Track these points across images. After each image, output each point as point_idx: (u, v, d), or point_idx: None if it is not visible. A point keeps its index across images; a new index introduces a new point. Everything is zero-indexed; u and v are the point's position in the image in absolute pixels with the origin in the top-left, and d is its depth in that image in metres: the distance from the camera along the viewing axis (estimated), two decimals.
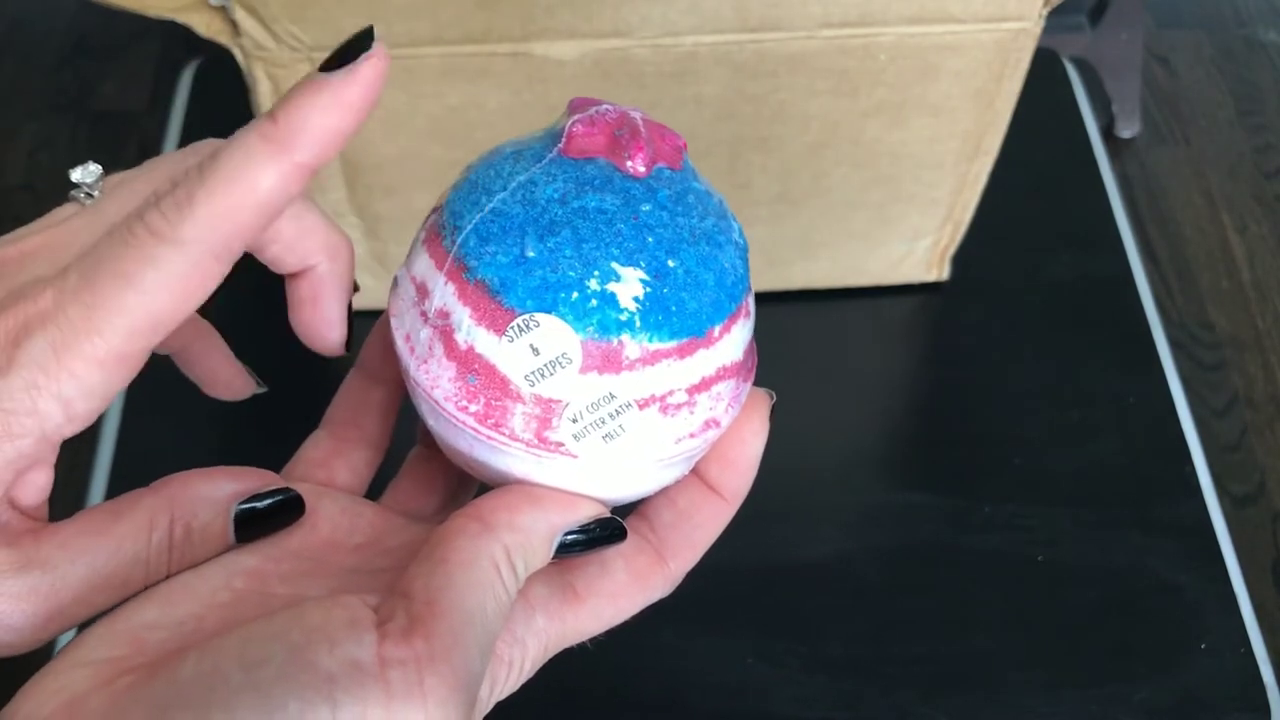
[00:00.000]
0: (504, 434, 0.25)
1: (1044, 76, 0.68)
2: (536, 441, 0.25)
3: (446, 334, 0.25)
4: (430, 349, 0.26)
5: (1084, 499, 0.56)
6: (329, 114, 0.23)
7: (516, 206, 0.25)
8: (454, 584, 0.23)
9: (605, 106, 0.27)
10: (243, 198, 0.22)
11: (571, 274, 0.25)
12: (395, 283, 0.27)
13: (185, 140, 0.69)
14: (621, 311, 0.25)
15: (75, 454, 0.24)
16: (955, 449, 0.59)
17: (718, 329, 0.26)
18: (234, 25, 0.46)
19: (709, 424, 0.26)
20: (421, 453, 0.31)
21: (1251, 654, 0.52)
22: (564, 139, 0.26)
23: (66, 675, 0.22)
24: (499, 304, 0.25)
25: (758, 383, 0.28)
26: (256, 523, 0.25)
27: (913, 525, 0.56)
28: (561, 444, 0.25)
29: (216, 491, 0.25)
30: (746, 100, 0.51)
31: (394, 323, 0.27)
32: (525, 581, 0.25)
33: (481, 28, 0.47)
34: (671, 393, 0.25)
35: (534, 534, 0.25)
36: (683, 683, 0.51)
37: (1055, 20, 0.50)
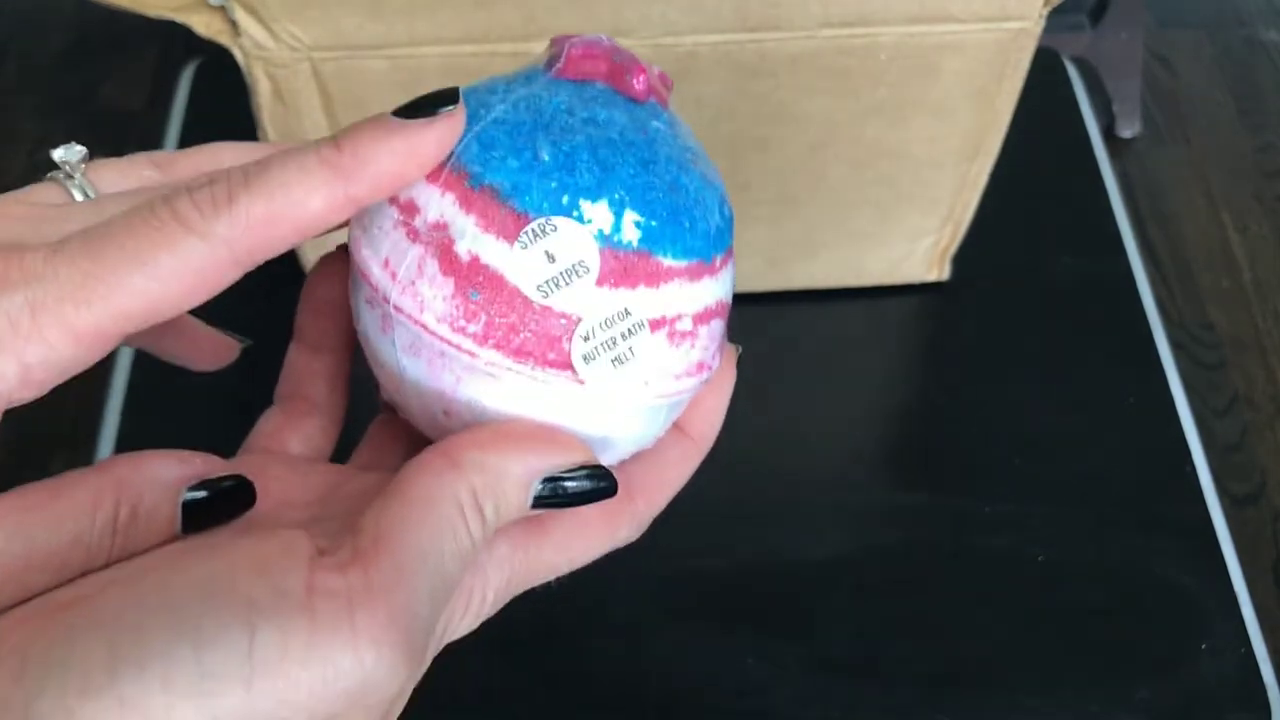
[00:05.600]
0: (507, 354, 0.23)
1: (1044, 76, 0.68)
2: (543, 362, 0.23)
3: (444, 247, 0.23)
4: (419, 268, 0.23)
5: (1084, 499, 0.56)
6: (396, 158, 0.23)
7: (523, 115, 0.24)
8: (408, 520, 0.21)
9: (594, 36, 0.26)
10: (285, 211, 0.22)
11: (589, 178, 0.23)
12: (362, 211, 0.25)
13: (185, 140, 0.69)
14: (641, 222, 0.23)
15: (74, 453, 0.23)
16: (955, 449, 0.59)
17: (719, 258, 0.25)
18: (234, 25, 0.46)
19: (702, 366, 0.25)
20: (384, 418, 0.30)
21: (1252, 654, 0.52)
22: (563, 60, 0.25)
23: None
24: (511, 209, 0.23)
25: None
26: (204, 512, 0.23)
27: (913, 525, 0.56)
28: (569, 365, 0.23)
29: (165, 474, 0.23)
30: (746, 100, 0.51)
31: (365, 253, 0.25)
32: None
33: (481, 28, 0.47)
34: (680, 317, 0.24)
35: (507, 476, 0.23)
36: (683, 683, 0.51)
37: (1055, 20, 0.50)
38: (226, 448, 0.27)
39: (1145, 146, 1.45)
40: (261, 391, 0.30)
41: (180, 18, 0.45)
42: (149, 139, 1.39)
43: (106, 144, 1.42)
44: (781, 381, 0.58)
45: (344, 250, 0.28)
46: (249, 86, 0.49)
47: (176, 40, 0.60)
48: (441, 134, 0.23)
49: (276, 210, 0.22)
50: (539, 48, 0.48)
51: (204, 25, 0.46)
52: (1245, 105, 1.49)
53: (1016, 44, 0.50)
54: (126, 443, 0.56)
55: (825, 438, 0.59)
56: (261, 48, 0.47)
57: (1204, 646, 0.52)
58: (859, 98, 0.51)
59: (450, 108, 0.23)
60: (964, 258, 0.61)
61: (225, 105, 0.57)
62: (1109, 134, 1.43)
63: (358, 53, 0.47)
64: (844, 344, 0.62)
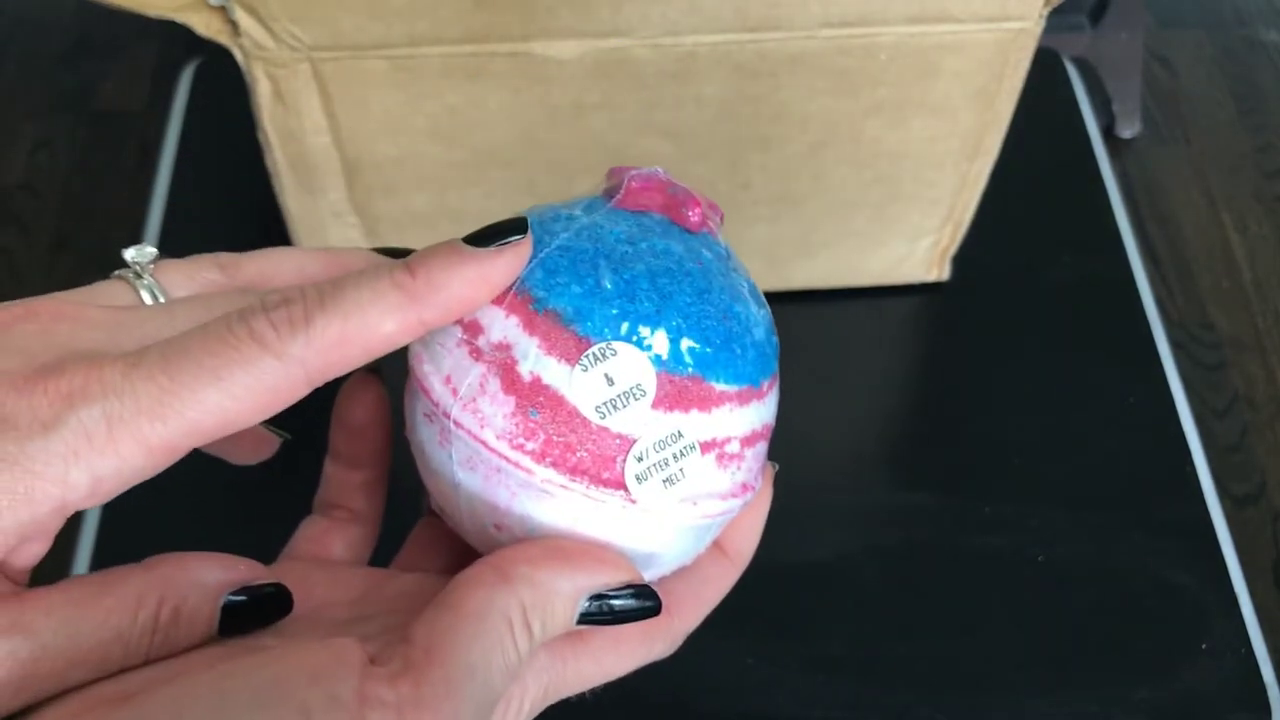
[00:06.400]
0: (562, 472, 0.24)
1: (1044, 76, 0.68)
2: (597, 481, 0.24)
3: (507, 367, 0.24)
4: (481, 386, 0.24)
5: (1084, 499, 0.56)
6: (467, 285, 0.23)
7: (585, 243, 0.25)
8: (458, 633, 0.22)
9: (651, 170, 0.27)
10: (359, 334, 0.23)
11: (649, 306, 0.24)
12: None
13: (185, 140, 0.69)
14: (697, 349, 0.25)
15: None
16: (955, 449, 0.59)
17: (766, 383, 0.26)
18: (234, 25, 0.46)
19: (746, 487, 0.26)
20: (427, 521, 0.31)
21: (1252, 654, 0.52)
22: (622, 192, 0.27)
23: (46, 708, 0.21)
24: (573, 333, 0.24)
25: None
26: (243, 616, 0.24)
27: (913, 525, 0.56)
28: (622, 485, 0.24)
29: (208, 577, 0.24)
30: (746, 100, 0.51)
31: (426, 368, 0.26)
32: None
33: (481, 27, 0.47)
34: (729, 440, 0.25)
35: (556, 594, 0.23)
36: (683, 683, 0.51)
37: (1055, 20, 0.50)
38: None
39: (1145, 146, 1.45)
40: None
41: (180, 18, 0.45)
42: (149, 139, 1.39)
43: (106, 144, 1.43)
44: (781, 381, 0.58)
45: (369, 374, 0.29)
46: (249, 86, 0.49)
47: (176, 40, 0.60)
48: (511, 261, 0.24)
49: (351, 332, 0.22)
50: (539, 48, 0.49)
51: (204, 25, 0.46)
52: (1245, 105, 1.49)
53: (1016, 44, 0.50)
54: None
55: (825, 438, 0.59)
56: (261, 48, 0.47)
57: (1204, 646, 0.52)
58: (859, 98, 0.51)
59: (519, 237, 0.24)
60: (964, 258, 0.61)
61: (225, 105, 0.57)
62: (1109, 134, 1.43)
63: (358, 53, 0.47)
64: (844, 344, 0.62)
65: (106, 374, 0.21)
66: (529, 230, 0.24)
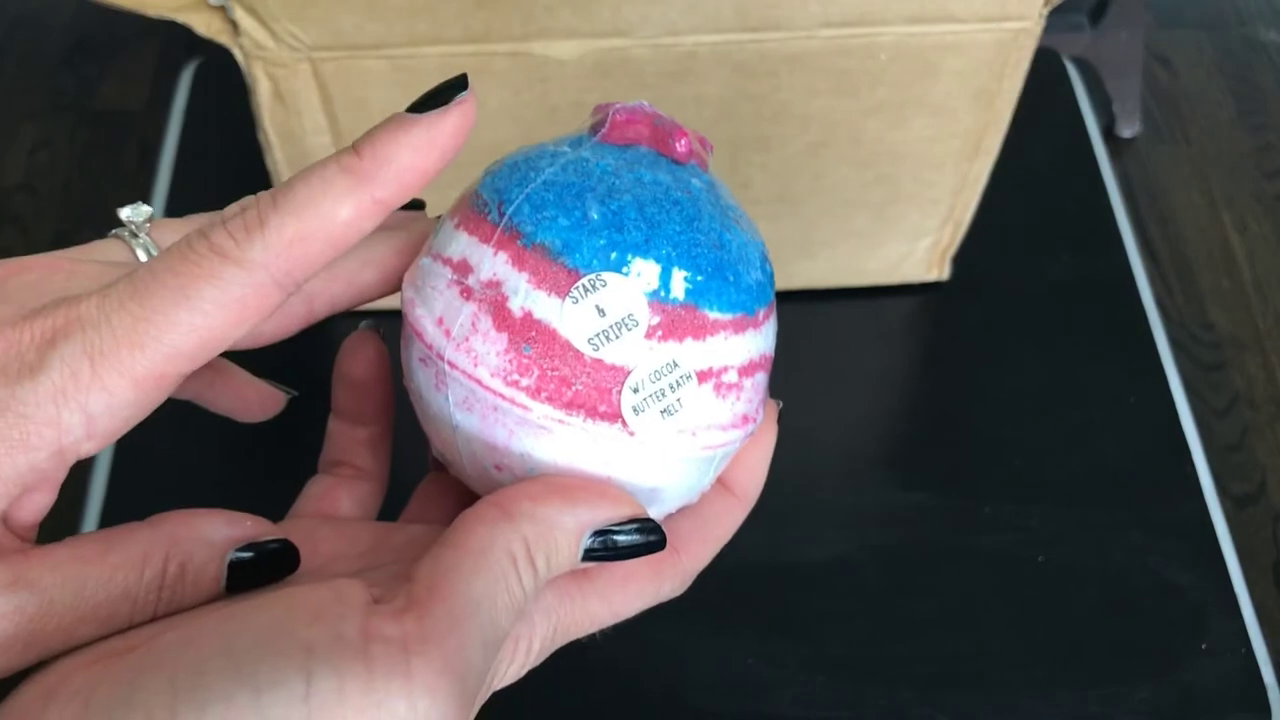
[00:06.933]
0: (558, 407, 0.24)
1: (1044, 76, 0.68)
2: (594, 414, 0.24)
3: (497, 304, 0.24)
4: (473, 325, 0.24)
5: (1084, 499, 0.56)
6: (416, 153, 0.23)
7: (571, 177, 0.25)
8: (462, 570, 0.22)
9: (637, 103, 0.27)
10: (316, 227, 0.22)
11: (637, 235, 0.24)
12: (414, 272, 0.26)
13: (185, 140, 0.69)
14: (688, 276, 0.24)
15: (70, 472, 0.23)
16: (955, 449, 0.59)
17: (761, 313, 0.26)
18: (234, 25, 0.46)
19: (746, 419, 0.26)
20: (432, 476, 0.31)
21: (1252, 654, 0.52)
22: (608, 126, 0.26)
23: (56, 663, 0.21)
24: (562, 266, 0.24)
25: None
26: (249, 572, 0.24)
27: (913, 525, 0.56)
28: (619, 416, 0.24)
29: (214, 534, 0.24)
30: (746, 100, 0.51)
31: (418, 312, 0.25)
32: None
33: (481, 27, 0.47)
34: (726, 370, 0.25)
35: (559, 529, 0.23)
36: (683, 683, 0.51)
37: (1056, 20, 0.50)
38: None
39: (1145, 146, 1.45)
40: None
41: (180, 18, 0.45)
42: (149, 139, 1.39)
43: (106, 144, 1.43)
44: (781, 381, 0.58)
45: (369, 331, 0.29)
46: (249, 86, 0.49)
47: (176, 40, 0.60)
48: (457, 122, 0.23)
49: (307, 227, 0.22)
50: (539, 48, 0.49)
51: (204, 25, 0.46)
52: (1245, 105, 1.49)
53: (1016, 44, 0.50)
54: (122, 461, 0.56)
55: (825, 437, 0.59)
56: (261, 48, 0.47)
57: (1204, 646, 0.52)
58: (859, 98, 0.51)
59: (463, 94, 0.24)
60: (964, 258, 0.61)
61: (225, 105, 0.57)
62: (1109, 134, 1.43)
63: (358, 53, 0.47)
64: (844, 344, 0.62)
65: (82, 310, 0.22)
66: (470, 86, 0.24)
